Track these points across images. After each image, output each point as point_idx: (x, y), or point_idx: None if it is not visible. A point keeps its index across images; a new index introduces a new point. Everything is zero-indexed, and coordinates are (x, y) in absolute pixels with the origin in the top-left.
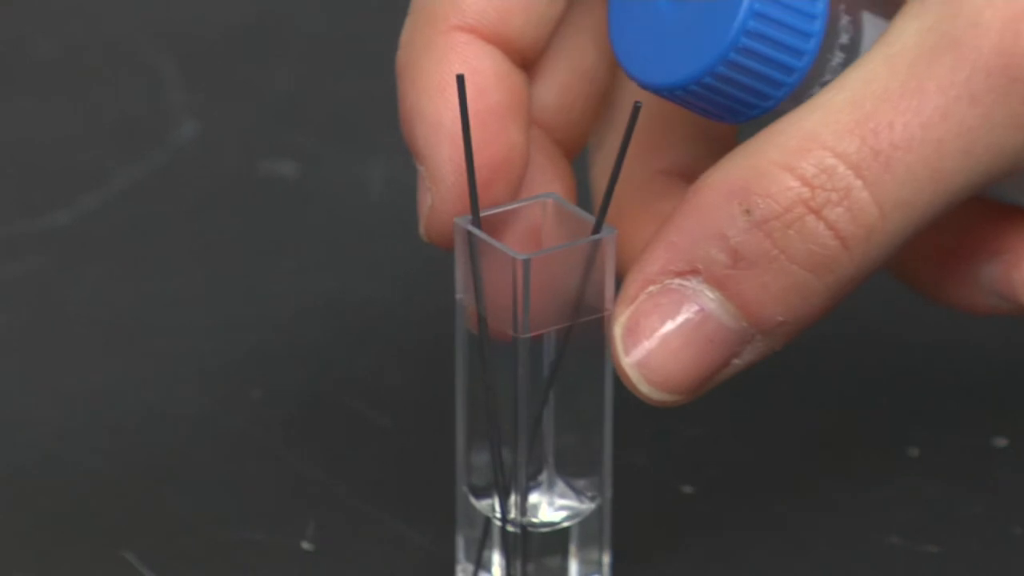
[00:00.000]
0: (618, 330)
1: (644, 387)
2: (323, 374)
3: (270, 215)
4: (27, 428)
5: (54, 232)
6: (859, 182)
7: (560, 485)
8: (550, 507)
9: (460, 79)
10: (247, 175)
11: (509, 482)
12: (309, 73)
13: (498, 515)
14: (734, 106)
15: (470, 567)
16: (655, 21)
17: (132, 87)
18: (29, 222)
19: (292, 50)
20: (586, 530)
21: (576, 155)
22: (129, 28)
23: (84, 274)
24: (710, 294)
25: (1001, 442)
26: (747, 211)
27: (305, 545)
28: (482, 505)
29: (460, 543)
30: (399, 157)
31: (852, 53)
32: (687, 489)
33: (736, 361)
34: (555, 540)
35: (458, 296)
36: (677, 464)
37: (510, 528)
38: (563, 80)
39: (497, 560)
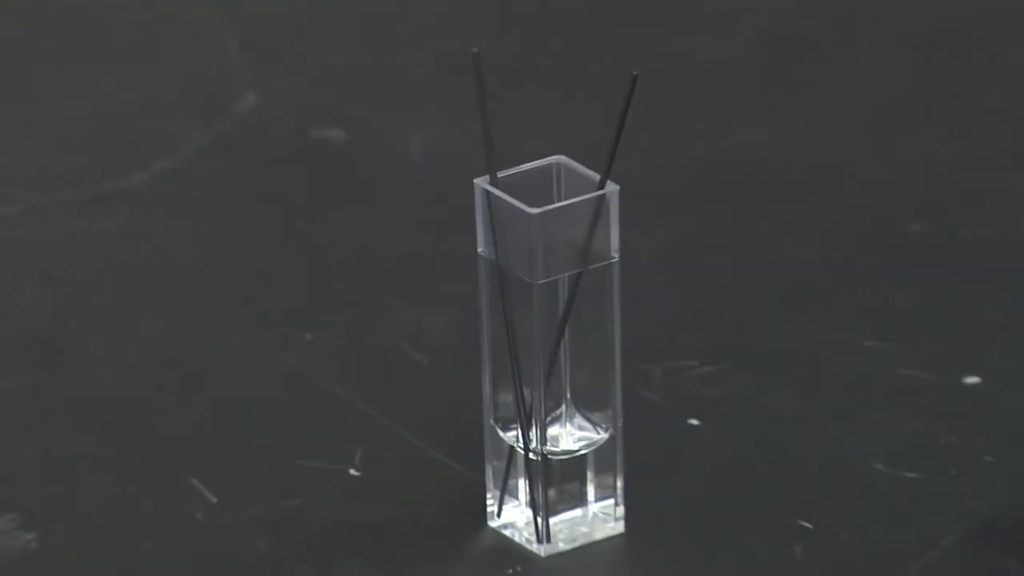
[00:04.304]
0: None
1: None
2: (369, 319)
3: (321, 177)
4: (106, 366)
5: (133, 191)
6: None
7: (578, 418)
8: (569, 437)
9: (476, 56)
10: (301, 141)
11: (530, 415)
12: (357, 49)
13: (521, 445)
14: None
15: (498, 493)
16: None
17: (200, 61)
18: (112, 182)
19: (342, 28)
20: (601, 458)
21: None
22: (198, 7)
23: (159, 229)
24: None
25: (972, 380)
26: None
27: (353, 471)
28: (507, 436)
29: (490, 472)
30: (437, 125)
31: None
32: (694, 422)
33: None
34: (573, 467)
35: (480, 250)
36: (686, 400)
37: (532, 456)
38: None
39: (522, 486)
